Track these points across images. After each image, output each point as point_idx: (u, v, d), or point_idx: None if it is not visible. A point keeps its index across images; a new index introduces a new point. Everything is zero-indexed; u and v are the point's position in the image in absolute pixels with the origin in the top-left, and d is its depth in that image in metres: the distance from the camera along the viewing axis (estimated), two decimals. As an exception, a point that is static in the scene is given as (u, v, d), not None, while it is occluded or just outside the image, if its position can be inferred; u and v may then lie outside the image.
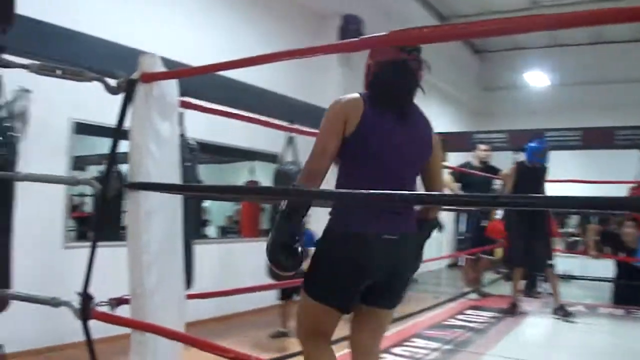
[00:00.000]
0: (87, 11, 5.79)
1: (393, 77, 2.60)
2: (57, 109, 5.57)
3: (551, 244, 6.81)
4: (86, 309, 2.46)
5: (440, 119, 14.57)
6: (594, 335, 5.90)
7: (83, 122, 5.85)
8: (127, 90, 2.52)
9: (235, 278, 7.15)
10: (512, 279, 6.86)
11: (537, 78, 16.04)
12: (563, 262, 11.93)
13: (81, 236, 7.29)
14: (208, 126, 6.91)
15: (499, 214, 7.08)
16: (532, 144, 6.66)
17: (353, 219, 2.49)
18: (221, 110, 4.65)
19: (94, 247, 2.56)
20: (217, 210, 11.09)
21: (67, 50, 4.61)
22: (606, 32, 14.91)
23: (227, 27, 7.72)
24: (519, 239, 6.53)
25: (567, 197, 1.49)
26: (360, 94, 2.58)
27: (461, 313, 6.58)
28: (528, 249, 6.43)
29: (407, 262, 2.61)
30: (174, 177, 2.71)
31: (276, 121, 5.70)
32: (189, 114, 4.38)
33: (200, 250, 7.18)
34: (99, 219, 3.26)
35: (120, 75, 2.56)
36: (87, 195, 8.21)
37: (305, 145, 6.90)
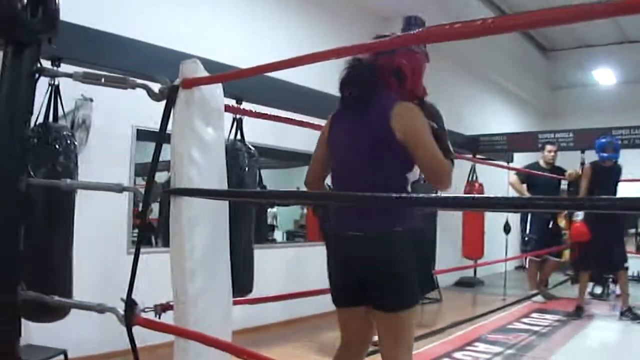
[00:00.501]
0: (132, 15, 5.83)
1: (341, 78, 2.87)
2: (120, 116, 5.63)
3: (625, 245, 6.74)
4: (130, 315, 2.46)
5: (506, 119, 14.35)
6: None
7: (146, 129, 5.85)
8: (169, 96, 2.51)
9: (302, 282, 7.14)
10: (580, 282, 6.71)
11: (604, 76, 15.58)
12: (634, 264, 11.63)
13: (146, 242, 7.40)
14: (271, 130, 6.94)
15: (579, 215, 6.89)
16: (600, 140, 6.57)
17: (332, 219, 2.81)
18: (280, 117, 4.68)
19: (137, 253, 2.57)
20: (287, 215, 11.13)
21: (115, 57, 4.66)
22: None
23: (283, 29, 7.68)
24: (594, 241, 6.35)
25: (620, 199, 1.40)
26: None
27: (526, 316, 6.45)
28: (603, 251, 6.31)
29: (382, 261, 2.59)
30: (219, 182, 2.69)
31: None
32: (251, 119, 4.42)
33: (267, 255, 7.27)
34: (143, 225, 3.26)
35: (163, 82, 2.56)
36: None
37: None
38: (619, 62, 15.24)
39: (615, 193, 6.50)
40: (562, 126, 11.46)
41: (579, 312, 6.47)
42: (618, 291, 9.98)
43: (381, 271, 2.58)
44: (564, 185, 8.02)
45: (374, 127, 2.64)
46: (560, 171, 7.95)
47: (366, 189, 2.15)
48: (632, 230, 14.87)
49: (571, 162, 8.66)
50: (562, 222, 7.95)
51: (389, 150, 2.60)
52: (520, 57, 14.63)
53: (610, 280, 9.78)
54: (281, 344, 6.56)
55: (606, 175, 6.39)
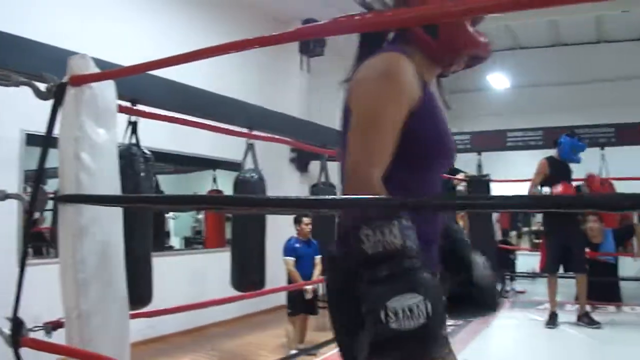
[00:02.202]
0: (23, 12, 5.57)
1: None
2: (7, 120, 5.35)
3: (584, 248, 6.60)
4: (16, 336, 2.25)
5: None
6: (561, 332, 5.82)
7: (37, 133, 5.55)
8: (57, 95, 2.32)
9: (201, 290, 6.98)
10: (548, 287, 6.38)
11: (498, 80, 16.14)
12: (528, 261, 12.04)
13: (38, 253, 7.01)
14: (169, 135, 6.74)
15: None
16: (576, 141, 6.23)
17: None
18: (178, 118, 4.51)
19: (22, 267, 2.36)
20: (183, 221, 10.86)
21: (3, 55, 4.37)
22: (565, 34, 15.20)
23: (181, 32, 7.52)
24: (555, 244, 6.23)
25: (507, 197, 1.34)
26: None
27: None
28: (565, 254, 6.17)
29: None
30: (112, 188, 2.49)
31: (236, 128, 5.57)
32: (148, 122, 4.22)
33: (163, 262, 7.05)
34: (26, 236, 3.00)
35: (50, 79, 2.36)
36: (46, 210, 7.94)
37: (266, 152, 6.77)
38: (512, 67, 15.86)
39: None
40: (458, 129, 11.77)
41: (553, 320, 6.16)
42: (517, 288, 10.28)
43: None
44: (461, 187, 8.15)
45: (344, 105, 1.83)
46: (457, 172, 8.08)
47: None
48: (526, 229, 15.47)
49: (468, 164, 8.85)
50: (461, 222, 8.07)
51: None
52: (419, 61, 14.95)
53: (508, 277, 10.07)
54: (182, 354, 6.38)
55: (564, 171, 6.21)
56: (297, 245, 6.44)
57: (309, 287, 6.30)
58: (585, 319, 6.05)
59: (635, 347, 4.74)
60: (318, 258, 6.58)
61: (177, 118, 4.49)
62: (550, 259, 6.26)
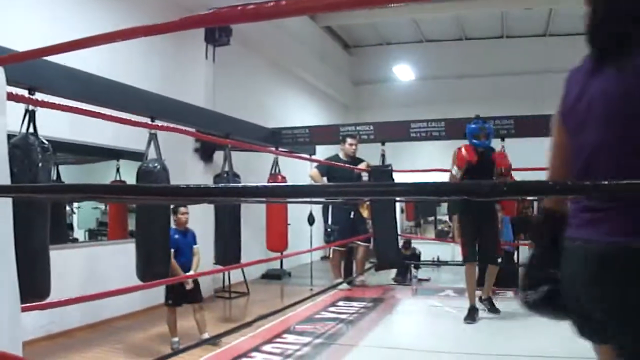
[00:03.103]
0: None
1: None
2: None
3: (498, 238, 6.42)
4: None
5: (311, 113, 14.72)
6: (460, 319, 5.96)
7: None
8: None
9: (103, 282, 6.86)
10: (466, 277, 6.09)
11: (404, 72, 16.53)
12: (433, 249, 12.41)
13: None
14: (70, 124, 6.57)
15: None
16: (470, 126, 6.10)
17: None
18: (78, 107, 4.41)
19: None
20: (89, 213, 10.58)
21: None
22: (470, 28, 15.69)
23: (83, 19, 7.31)
24: (470, 234, 6.07)
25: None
26: None
27: (333, 305, 6.56)
28: (480, 245, 6.06)
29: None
30: (1, 177, 2.43)
31: (139, 118, 5.50)
32: (48, 111, 4.10)
33: (66, 255, 6.88)
34: None
35: None
36: None
37: (170, 143, 6.70)
38: (416, 60, 16.31)
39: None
40: (364, 120, 11.96)
41: (473, 314, 5.91)
42: (420, 276, 10.56)
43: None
44: (365, 177, 8.26)
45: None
46: (360, 163, 8.20)
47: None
48: (431, 218, 15.89)
49: (372, 154, 9.02)
50: (365, 212, 8.20)
51: None
52: (325, 53, 15.13)
53: (412, 266, 10.33)
54: (87, 349, 6.26)
55: (479, 160, 5.92)
56: (176, 236, 6.31)
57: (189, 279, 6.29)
58: (487, 303, 6.11)
59: (529, 330, 4.93)
60: (196, 247, 6.60)
61: (77, 107, 4.39)
62: (468, 248, 6.09)
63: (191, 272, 6.34)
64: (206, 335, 6.24)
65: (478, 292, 6.08)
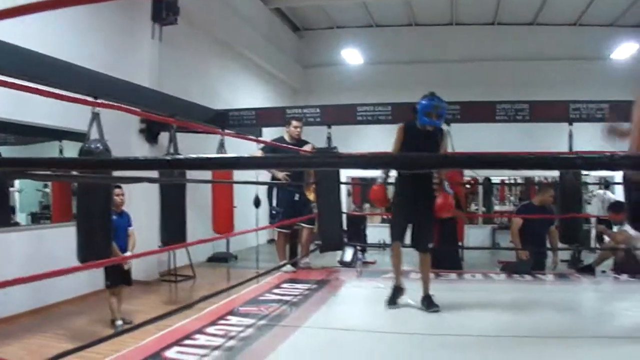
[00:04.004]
0: None
1: None
2: None
3: (432, 223, 5.96)
4: None
5: (258, 95, 14.69)
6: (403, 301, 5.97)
7: None
8: None
9: (47, 266, 6.75)
10: (391, 257, 5.92)
11: (352, 56, 16.57)
12: (381, 232, 12.51)
13: None
14: (9, 103, 6.42)
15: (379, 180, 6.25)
16: (422, 102, 5.63)
17: None
18: (14, 84, 4.29)
19: None
20: (32, 196, 10.36)
21: None
22: (420, 14, 15.83)
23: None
24: (401, 214, 5.78)
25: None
26: None
27: (277, 287, 6.55)
28: (412, 229, 5.78)
29: None
30: None
31: (80, 96, 5.38)
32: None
33: (8, 239, 6.75)
34: None
35: None
36: None
37: (114, 123, 6.60)
38: (366, 44, 16.41)
39: None
40: (313, 102, 11.97)
41: (395, 295, 5.76)
42: (367, 259, 10.64)
43: None
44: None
45: None
46: (304, 145, 8.19)
47: None
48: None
49: (318, 136, 9.03)
50: (310, 195, 8.21)
51: None
52: (274, 35, 15.10)
53: (359, 248, 10.40)
54: (29, 335, 6.17)
55: (424, 139, 5.58)
56: (113, 217, 6.22)
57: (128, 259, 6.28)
58: (425, 303, 5.61)
59: (473, 310, 4.99)
60: (131, 229, 6.59)
61: (13, 83, 4.28)
62: (395, 226, 5.80)
63: (128, 254, 6.29)
64: (119, 323, 6.29)
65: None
